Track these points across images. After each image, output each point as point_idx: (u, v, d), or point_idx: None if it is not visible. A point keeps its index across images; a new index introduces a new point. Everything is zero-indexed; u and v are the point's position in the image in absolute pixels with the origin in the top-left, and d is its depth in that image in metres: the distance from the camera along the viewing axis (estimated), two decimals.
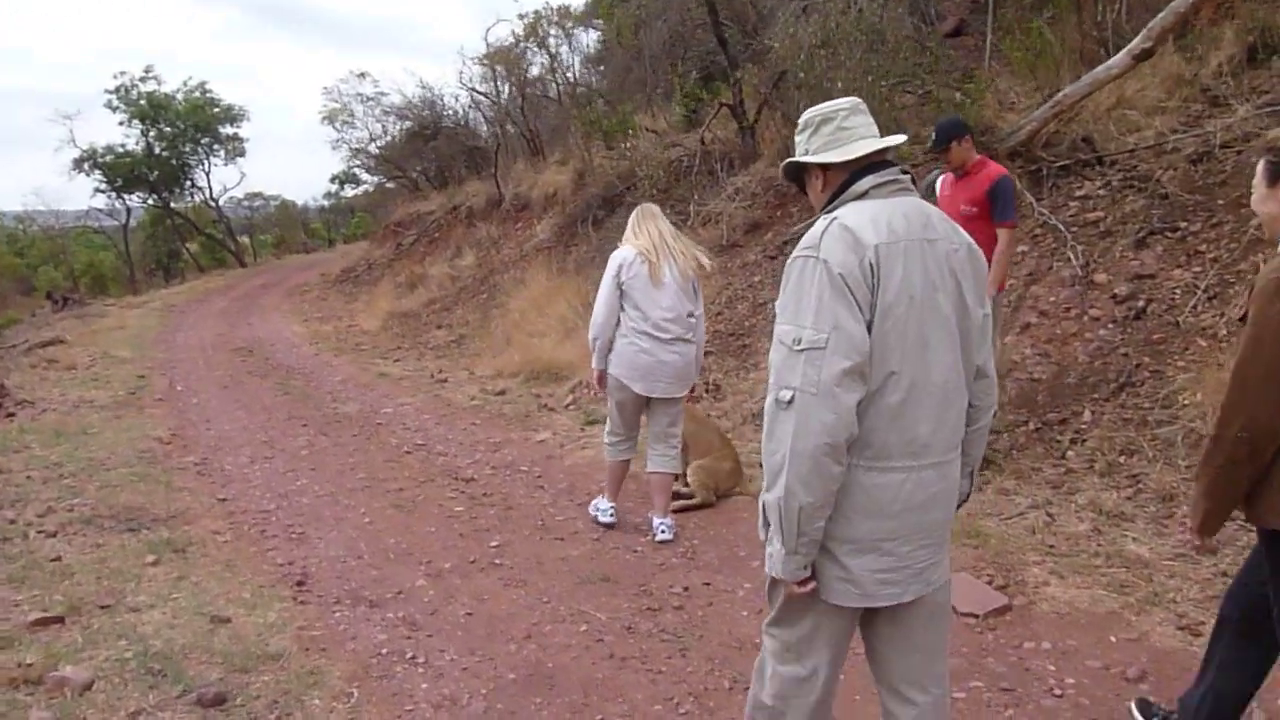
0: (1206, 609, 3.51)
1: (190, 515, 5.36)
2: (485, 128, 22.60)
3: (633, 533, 4.89)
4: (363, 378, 10.56)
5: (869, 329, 1.91)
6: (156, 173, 31.27)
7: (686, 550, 4.58)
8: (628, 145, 13.02)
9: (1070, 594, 3.80)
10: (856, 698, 3.13)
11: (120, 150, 30.78)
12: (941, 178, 5.54)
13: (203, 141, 31.98)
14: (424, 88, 28.64)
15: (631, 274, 4.58)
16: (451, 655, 3.55)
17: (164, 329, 16.49)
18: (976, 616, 3.68)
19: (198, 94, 31.15)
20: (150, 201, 33.26)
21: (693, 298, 4.72)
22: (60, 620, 3.82)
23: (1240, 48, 7.71)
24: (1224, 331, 5.29)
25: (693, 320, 4.71)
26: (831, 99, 2.22)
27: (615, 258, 4.66)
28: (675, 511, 4.97)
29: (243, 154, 33.64)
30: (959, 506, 2.26)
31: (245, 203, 40.49)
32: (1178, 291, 5.76)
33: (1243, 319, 2.30)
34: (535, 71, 20.83)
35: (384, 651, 3.59)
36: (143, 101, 29.97)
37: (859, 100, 2.15)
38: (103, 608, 3.97)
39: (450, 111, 23.50)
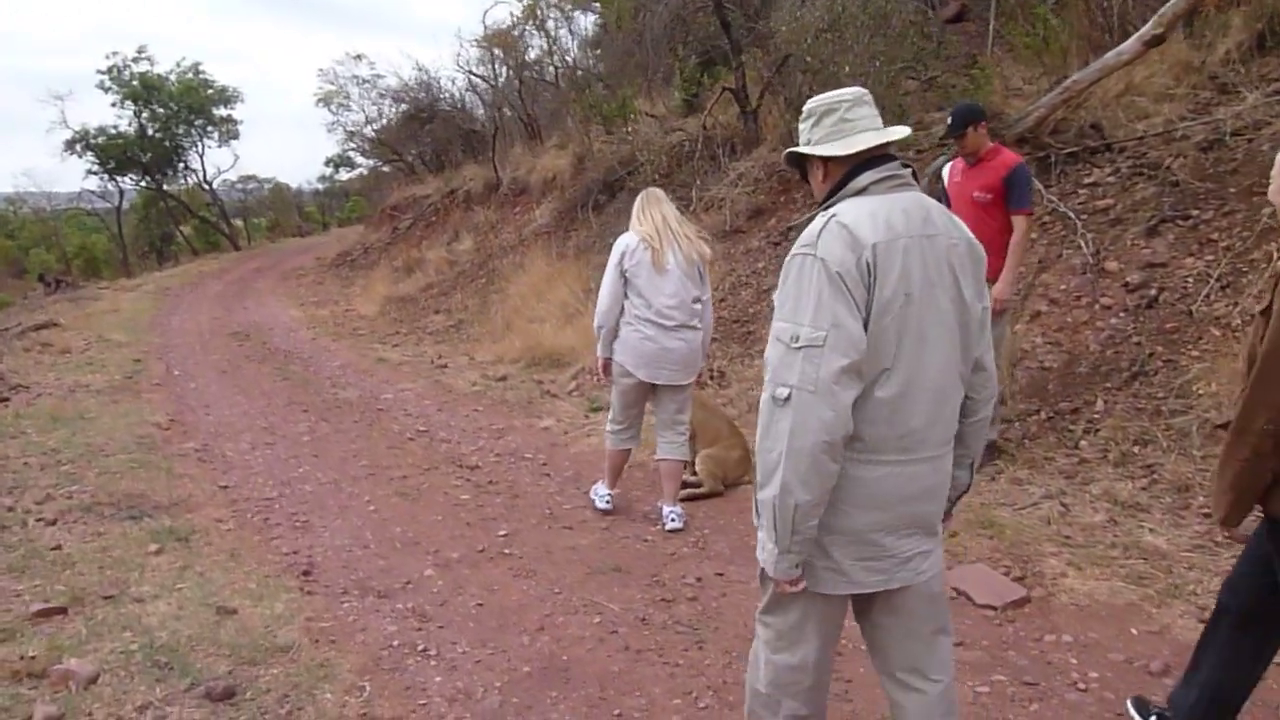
0: None
1: (192, 503, 5.29)
2: (482, 111, 22.43)
3: (642, 522, 4.83)
4: (362, 363, 10.48)
5: (866, 326, 1.92)
6: (149, 154, 30.98)
7: (697, 540, 4.53)
8: (629, 130, 12.89)
9: (1089, 586, 3.76)
10: (877, 690, 3.08)
11: (113, 132, 30.50)
12: (949, 164, 5.47)
13: (196, 123, 31.70)
14: (420, 70, 28.48)
15: (634, 261, 4.53)
16: (463, 647, 3.50)
17: (158, 313, 16.36)
18: (995, 608, 3.64)
19: (191, 75, 30.87)
20: (143, 184, 32.99)
21: (698, 283, 4.66)
22: (63, 611, 3.75)
23: (1249, 35, 7.64)
24: (1237, 321, 5.24)
25: (698, 307, 4.65)
26: (837, 84, 2.23)
27: (619, 244, 4.62)
28: (683, 500, 4.92)
29: (236, 136, 33.44)
30: (960, 497, 2.31)
31: (239, 185, 40.22)
32: (1190, 280, 5.70)
33: (1264, 311, 2.26)
34: (533, 55, 20.66)
35: (395, 643, 3.53)
36: (135, 82, 29.65)
37: (863, 90, 2.14)
38: (106, 598, 3.90)
39: (447, 94, 23.34)
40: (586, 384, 8.19)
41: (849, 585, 2.07)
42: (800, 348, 1.89)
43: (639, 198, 4.77)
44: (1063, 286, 6.27)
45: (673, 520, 4.70)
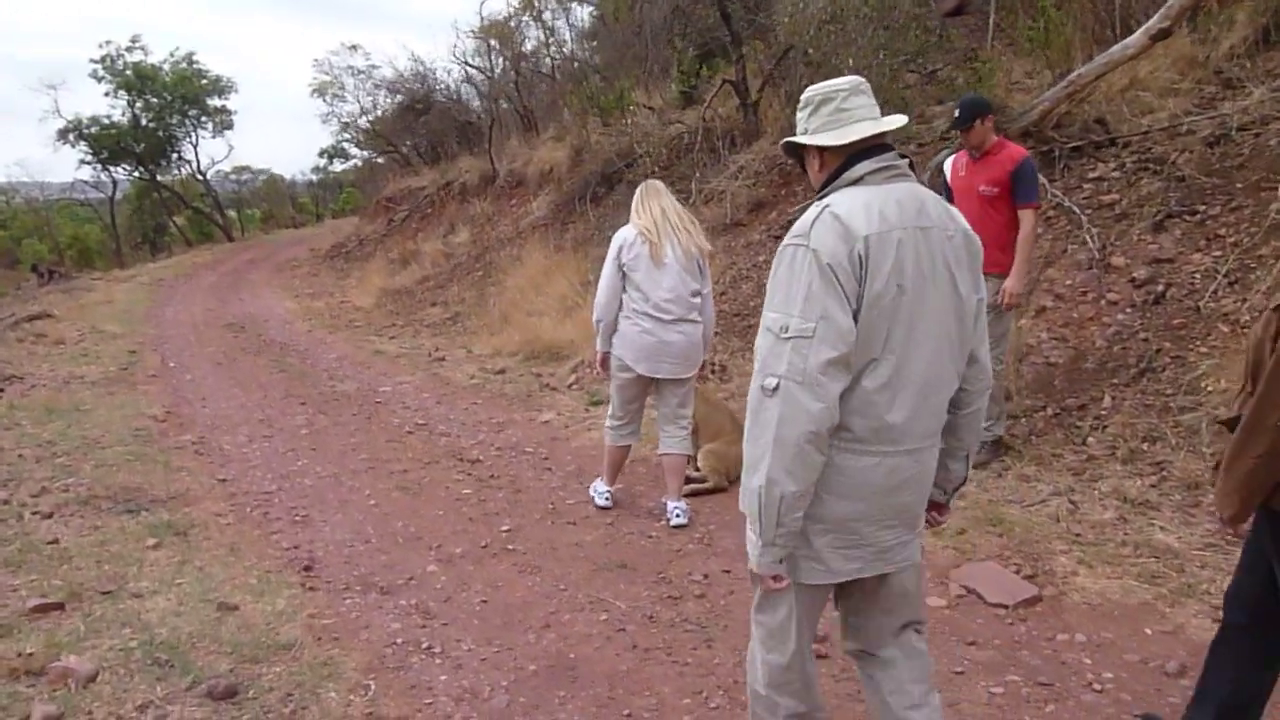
0: None
1: (190, 496, 5.22)
2: (478, 103, 22.34)
3: (646, 517, 4.78)
4: (359, 355, 10.40)
5: (855, 317, 1.92)
6: (143, 145, 30.84)
7: (703, 536, 4.48)
8: (628, 122, 12.82)
9: (1100, 584, 3.72)
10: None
11: (106, 121, 30.37)
12: (952, 158, 5.41)
13: (190, 114, 31.57)
14: (416, 61, 28.38)
15: (632, 254, 4.49)
16: (469, 645, 3.44)
17: (153, 304, 16.26)
18: (1006, 607, 3.60)
19: (185, 65, 30.72)
20: (136, 174, 32.83)
21: (698, 276, 4.61)
22: (60, 607, 3.69)
23: (1253, 30, 7.60)
24: (1246, 318, 5.20)
25: (696, 300, 4.60)
26: (839, 76, 2.17)
27: (616, 238, 4.58)
28: (687, 496, 4.87)
29: (230, 127, 33.33)
30: (956, 490, 2.32)
31: (233, 176, 40.09)
32: (1197, 276, 5.66)
33: (1277, 308, 2.22)
34: (530, 46, 20.57)
35: (399, 641, 3.48)
36: (129, 72, 29.51)
37: (861, 80, 2.12)
38: (104, 593, 3.84)
39: (442, 86, 23.25)
40: (586, 377, 8.12)
41: (827, 574, 2.08)
42: (789, 338, 1.89)
43: (638, 190, 4.72)
44: (1068, 282, 6.22)
45: (677, 516, 4.65)
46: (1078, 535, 4.17)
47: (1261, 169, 6.08)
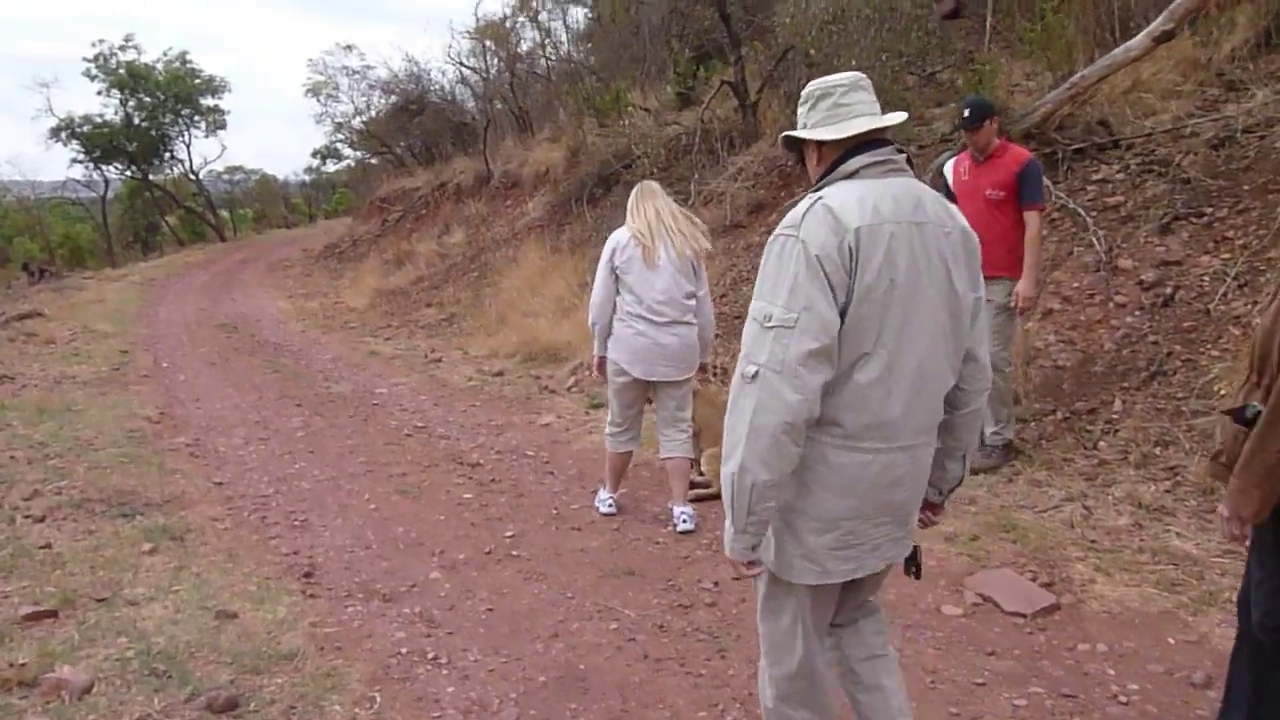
0: None
1: (186, 500, 5.12)
2: (473, 103, 22.25)
3: (652, 523, 4.70)
4: (354, 356, 10.30)
5: (846, 310, 1.90)
6: (135, 144, 30.66)
7: (711, 542, 4.39)
8: (625, 123, 12.74)
9: (1119, 592, 3.65)
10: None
11: (98, 120, 30.19)
12: (952, 161, 5.34)
13: (183, 113, 31.41)
14: (410, 62, 28.23)
15: (625, 257, 4.44)
16: (475, 655, 3.35)
17: (145, 303, 16.11)
18: (1025, 616, 3.52)
19: (178, 64, 30.56)
20: (129, 173, 32.64)
21: (692, 278, 4.55)
22: (54, 614, 3.59)
23: (1254, 32, 7.57)
24: (1258, 320, 5.15)
25: (691, 302, 4.53)
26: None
27: (610, 241, 4.53)
28: (692, 501, 4.79)
29: (224, 126, 33.18)
30: (952, 491, 2.30)
31: (225, 176, 39.91)
32: (1206, 278, 5.60)
33: None
34: (525, 47, 20.48)
35: (403, 650, 3.39)
36: (122, 71, 29.35)
37: (861, 76, 2.12)
38: (99, 600, 3.74)
39: (437, 86, 23.14)
40: (585, 380, 8.04)
41: (820, 575, 2.06)
42: (772, 328, 1.88)
43: (634, 192, 4.66)
44: (1075, 284, 6.16)
45: (684, 521, 4.58)
46: (1093, 542, 4.10)
47: (1268, 171, 6.04)
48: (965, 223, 2.09)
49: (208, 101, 31.99)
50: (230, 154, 75.99)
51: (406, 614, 3.69)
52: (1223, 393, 4.86)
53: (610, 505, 4.86)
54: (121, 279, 20.93)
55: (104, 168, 31.95)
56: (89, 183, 33.52)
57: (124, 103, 30.00)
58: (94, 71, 29.19)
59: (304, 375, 9.12)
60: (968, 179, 5.10)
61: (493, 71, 20.69)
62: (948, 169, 5.29)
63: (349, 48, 31.95)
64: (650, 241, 4.42)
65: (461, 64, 20.99)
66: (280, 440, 6.52)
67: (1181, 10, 6.87)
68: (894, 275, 1.92)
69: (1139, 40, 7.08)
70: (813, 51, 8.72)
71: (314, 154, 36.06)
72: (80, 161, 31.29)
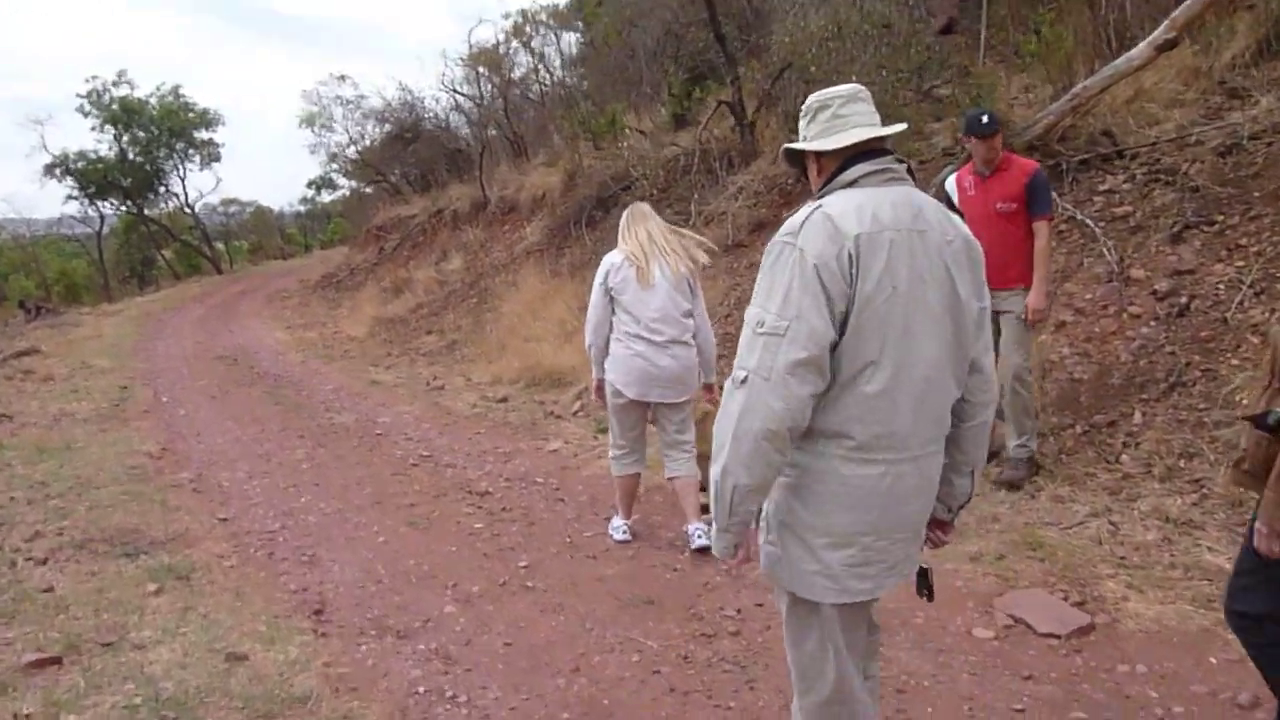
0: None
1: (190, 537, 5.01)
2: (467, 130, 22.28)
3: (668, 549, 4.59)
4: (355, 386, 10.20)
5: (847, 318, 1.89)
6: (130, 179, 30.65)
7: (730, 568, 4.27)
8: (625, 145, 12.74)
9: (1154, 610, 3.55)
10: None
11: (93, 156, 30.18)
12: (954, 177, 5.27)
13: (177, 147, 31.41)
14: (404, 90, 28.27)
15: (620, 278, 4.42)
16: (495, 693, 3.24)
17: (142, 338, 16.02)
18: (1059, 637, 3.42)
19: (171, 98, 30.59)
20: (124, 208, 32.62)
21: (688, 295, 4.51)
22: (58, 661, 3.47)
23: (1254, 40, 7.56)
24: (1276, 327, 5.07)
25: (689, 321, 4.49)
26: None
27: (604, 263, 4.52)
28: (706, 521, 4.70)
29: (218, 159, 33.18)
30: (961, 507, 2.26)
31: (220, 209, 39.91)
32: (1221, 287, 5.54)
33: None
34: (519, 73, 20.54)
35: (421, 690, 3.27)
36: (115, 106, 29.38)
37: (860, 88, 2.13)
38: (104, 645, 3.62)
39: (430, 114, 23.18)
40: (591, 404, 7.94)
41: (839, 593, 2.03)
42: (763, 334, 1.89)
43: (625, 214, 4.66)
44: (1088, 296, 6.09)
45: (699, 537, 4.48)
46: (1122, 558, 4.01)
47: (1278, 178, 5.99)
48: (968, 231, 2.08)
49: (201, 135, 32.07)
50: (225, 186, 76.07)
51: (422, 650, 3.58)
52: (1245, 402, 4.77)
53: (625, 532, 4.76)
54: (118, 314, 20.86)
55: (99, 203, 31.97)
56: (84, 219, 33.55)
57: (118, 138, 30.06)
58: (87, 108, 29.27)
59: (306, 406, 9.03)
60: (975, 194, 5.04)
61: (487, 98, 20.72)
62: (950, 185, 5.22)
63: (343, 78, 32.17)
64: (644, 262, 4.40)
65: (455, 91, 21.05)
66: (284, 473, 6.42)
67: (1183, 18, 6.86)
68: (896, 283, 1.91)
69: (1141, 49, 7.06)
70: (813, 69, 8.69)
71: (309, 184, 36.09)
72: (75, 198, 31.33)
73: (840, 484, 1.97)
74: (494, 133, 20.68)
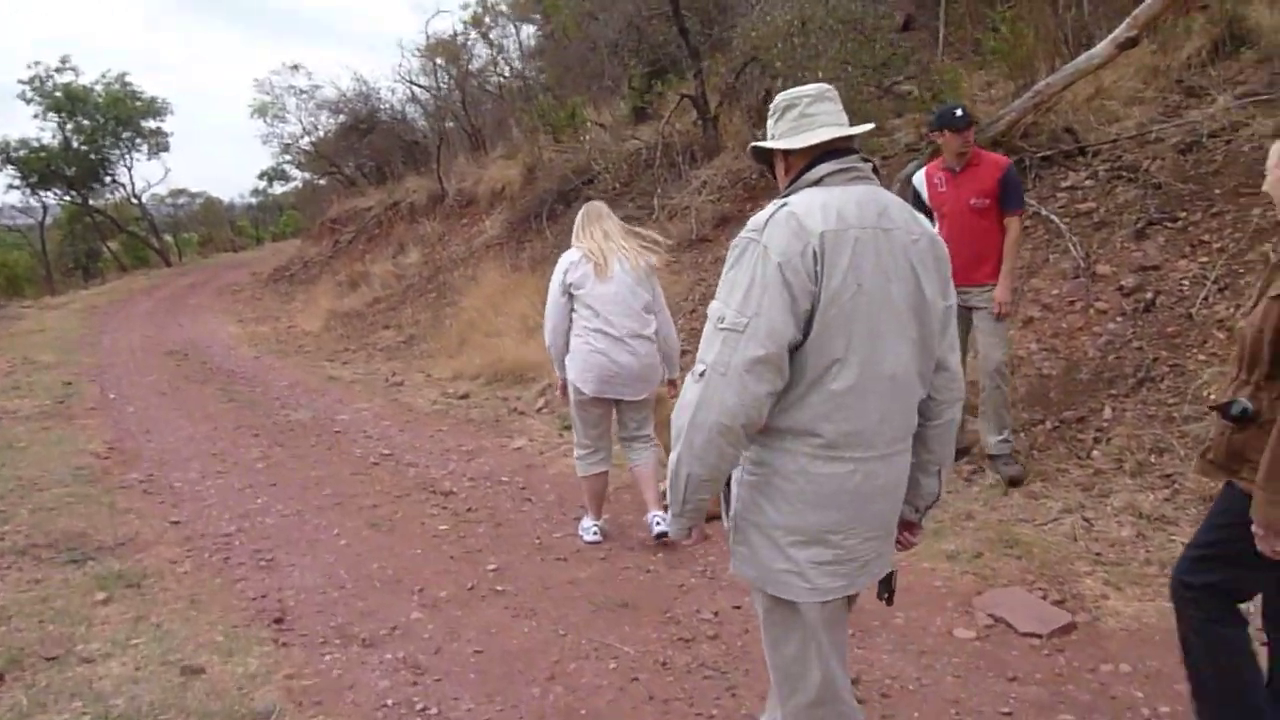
0: None
1: (141, 542, 4.80)
2: (423, 122, 21.94)
3: (641, 550, 4.50)
4: (311, 381, 9.96)
5: (812, 316, 1.89)
6: (74, 168, 29.70)
7: (705, 569, 4.20)
8: (586, 138, 12.60)
9: (1134, 608, 3.54)
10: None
11: (35, 144, 29.18)
12: (921, 174, 5.21)
13: (124, 136, 30.48)
14: (359, 81, 27.83)
15: (578, 274, 4.37)
16: (468, 704, 3.12)
17: (88, 332, 15.53)
18: (1041, 637, 3.39)
19: (118, 86, 29.70)
20: (68, 198, 31.64)
21: (649, 290, 4.48)
22: (0, 678, 3.27)
23: (1208, 39, 7.65)
24: (1241, 323, 5.12)
25: (649, 316, 4.45)
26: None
27: (561, 261, 4.47)
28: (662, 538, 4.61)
29: (166, 149, 32.26)
30: (929, 508, 2.26)
31: (169, 200, 38.93)
32: (1186, 283, 5.57)
33: (1276, 297, 2.18)
34: (477, 64, 20.26)
35: (389, 702, 3.14)
36: (59, 93, 28.41)
37: (827, 87, 2.15)
38: (49, 659, 3.43)
39: (386, 105, 22.79)
40: (555, 400, 7.82)
41: (810, 592, 2.01)
42: (723, 330, 1.89)
43: (580, 214, 4.62)
44: (1055, 291, 6.11)
45: (658, 524, 4.46)
46: (1099, 555, 4.00)
47: (1238, 175, 6.05)
48: (933, 230, 2.10)
49: (149, 124, 31.12)
50: (174, 177, 74.34)
51: (389, 660, 3.44)
52: (1213, 397, 4.80)
53: (595, 533, 4.66)
54: (62, 307, 20.24)
55: (41, 193, 30.93)
56: (26, 209, 32.49)
57: (62, 126, 29.08)
58: (29, 94, 28.30)
59: (260, 403, 8.78)
60: (946, 190, 4.99)
61: (444, 89, 20.42)
62: (919, 182, 5.16)
63: (296, 67, 31.13)
64: (602, 258, 4.37)
65: (412, 82, 20.70)
66: (239, 473, 6.21)
67: (1144, 17, 6.91)
68: (860, 280, 1.91)
69: (1103, 47, 7.11)
70: (778, 64, 8.63)
71: (260, 176, 35.38)
72: (16, 187, 30.24)
73: (809, 482, 1.96)
74: (451, 125, 20.42)
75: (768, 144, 2.15)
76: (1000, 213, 4.92)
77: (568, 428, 6.91)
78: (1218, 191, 6.06)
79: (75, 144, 29.44)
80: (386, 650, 3.53)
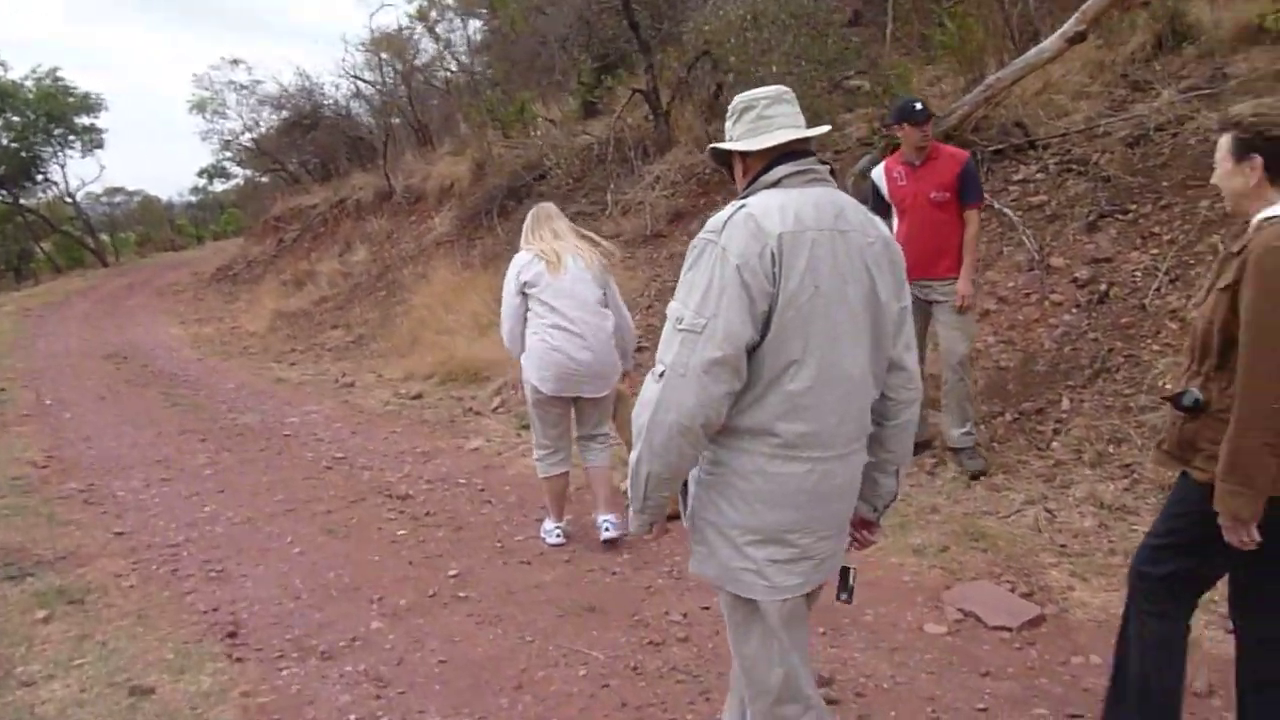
0: None
1: (83, 555, 4.60)
2: (369, 117, 21.57)
3: (605, 551, 4.42)
4: (258, 383, 9.71)
5: (770, 317, 1.90)
6: (4, 166, 28.65)
7: (671, 569, 4.14)
8: (537, 133, 12.47)
9: (1100, 599, 3.55)
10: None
11: None
12: (880, 168, 5.18)
13: (56, 132, 29.46)
14: (301, 76, 27.27)
15: (532, 273, 4.31)
16: (434, 717, 3.01)
17: (21, 335, 15.00)
18: (1011, 630, 3.39)
19: (49, 81, 28.70)
20: None
21: (603, 283, 4.44)
22: None
23: (1152, 35, 7.79)
24: (1193, 314, 5.19)
25: (606, 310, 4.40)
26: (760, 85, 2.21)
27: (513, 263, 4.41)
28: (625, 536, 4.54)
29: (101, 146, 31.21)
30: (887, 506, 2.27)
31: (104, 198, 37.83)
32: (1138, 274, 5.65)
33: (1226, 288, 2.21)
34: (423, 59, 19.96)
35: (352, 717, 3.02)
36: None
37: (785, 89, 2.17)
38: None
39: (330, 101, 22.35)
40: (512, 399, 7.71)
41: (768, 590, 2.02)
42: (682, 330, 1.91)
43: (530, 216, 4.56)
44: (1010, 284, 6.16)
45: (607, 529, 4.43)
46: (1063, 546, 4.02)
47: (1185, 168, 6.14)
48: (888, 233, 2.11)
49: (82, 120, 30.16)
50: (109, 175, 72.20)
51: (350, 673, 3.32)
52: (1169, 388, 4.86)
53: (558, 535, 4.58)
54: None
55: None
56: None
57: None
58: None
59: (205, 407, 8.52)
60: (906, 184, 4.97)
61: (389, 84, 20.08)
62: (878, 176, 5.14)
63: (236, 62, 30.36)
64: (555, 255, 4.32)
65: (356, 77, 20.32)
66: (185, 480, 6.00)
67: (1092, 12, 7.00)
68: (818, 282, 1.93)
69: (1052, 41, 7.19)
70: (732, 58, 8.60)
71: (200, 173, 34.32)
72: None
73: (766, 482, 1.97)
74: (398, 120, 20.09)
75: (726, 145, 2.16)
76: (960, 206, 4.92)
77: (525, 427, 6.81)
78: (1166, 184, 6.15)
79: (5, 141, 28.41)
80: (347, 662, 3.40)
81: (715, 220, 1.98)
